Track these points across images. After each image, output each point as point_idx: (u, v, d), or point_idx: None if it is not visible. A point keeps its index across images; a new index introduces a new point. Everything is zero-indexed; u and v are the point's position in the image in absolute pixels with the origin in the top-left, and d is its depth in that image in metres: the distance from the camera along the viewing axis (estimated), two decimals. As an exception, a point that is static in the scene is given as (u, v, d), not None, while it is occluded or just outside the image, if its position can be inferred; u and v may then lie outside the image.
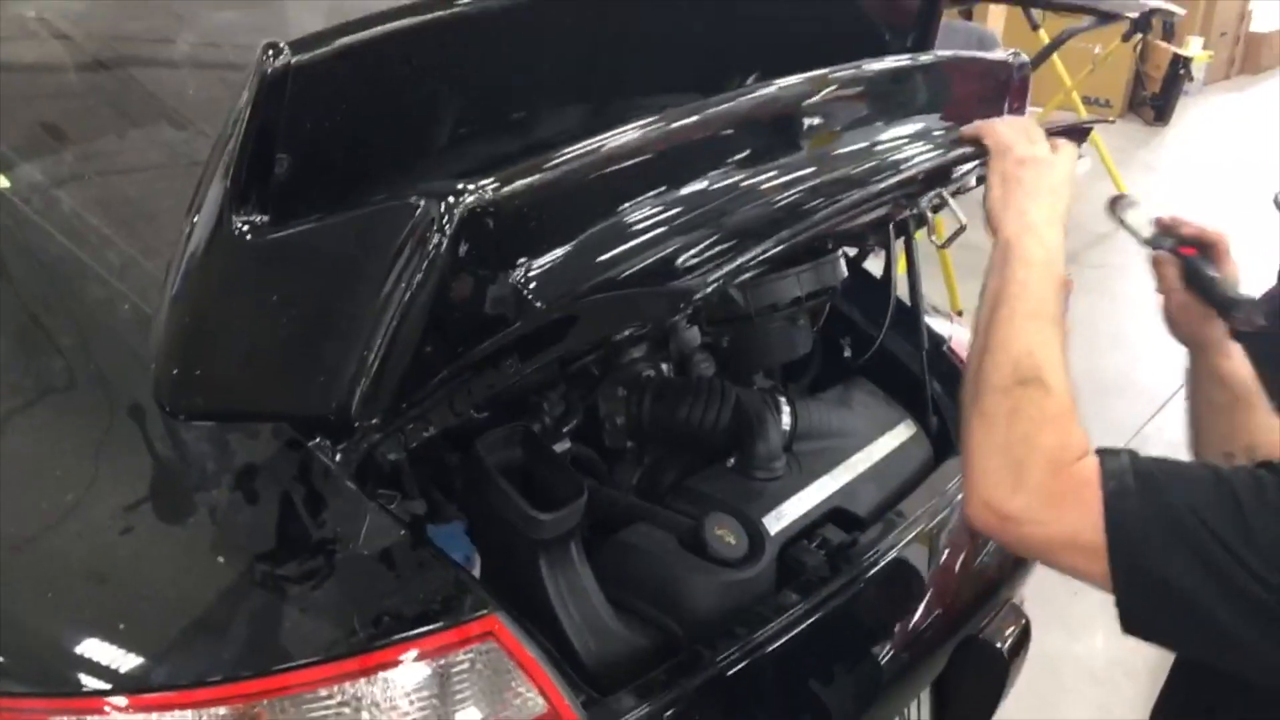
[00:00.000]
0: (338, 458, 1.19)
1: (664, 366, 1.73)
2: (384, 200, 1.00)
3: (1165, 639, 1.04)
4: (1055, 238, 1.15)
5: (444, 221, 0.94)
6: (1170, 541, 0.98)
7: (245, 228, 0.98)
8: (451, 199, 0.95)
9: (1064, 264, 1.15)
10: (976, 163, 1.28)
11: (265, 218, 0.99)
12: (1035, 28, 5.25)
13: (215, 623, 1.12)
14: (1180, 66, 7.08)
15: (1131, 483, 1.00)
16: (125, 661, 1.09)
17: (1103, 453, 1.04)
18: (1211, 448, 1.35)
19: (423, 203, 0.95)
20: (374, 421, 1.02)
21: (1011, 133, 1.23)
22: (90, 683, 1.08)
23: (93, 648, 1.10)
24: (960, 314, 4.44)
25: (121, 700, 1.07)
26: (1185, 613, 0.98)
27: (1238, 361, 1.34)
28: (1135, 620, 1.02)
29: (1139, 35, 5.48)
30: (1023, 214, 1.16)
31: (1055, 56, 5.09)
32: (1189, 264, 1.31)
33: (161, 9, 1.90)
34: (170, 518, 1.19)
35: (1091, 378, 3.47)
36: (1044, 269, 1.13)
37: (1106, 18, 4.56)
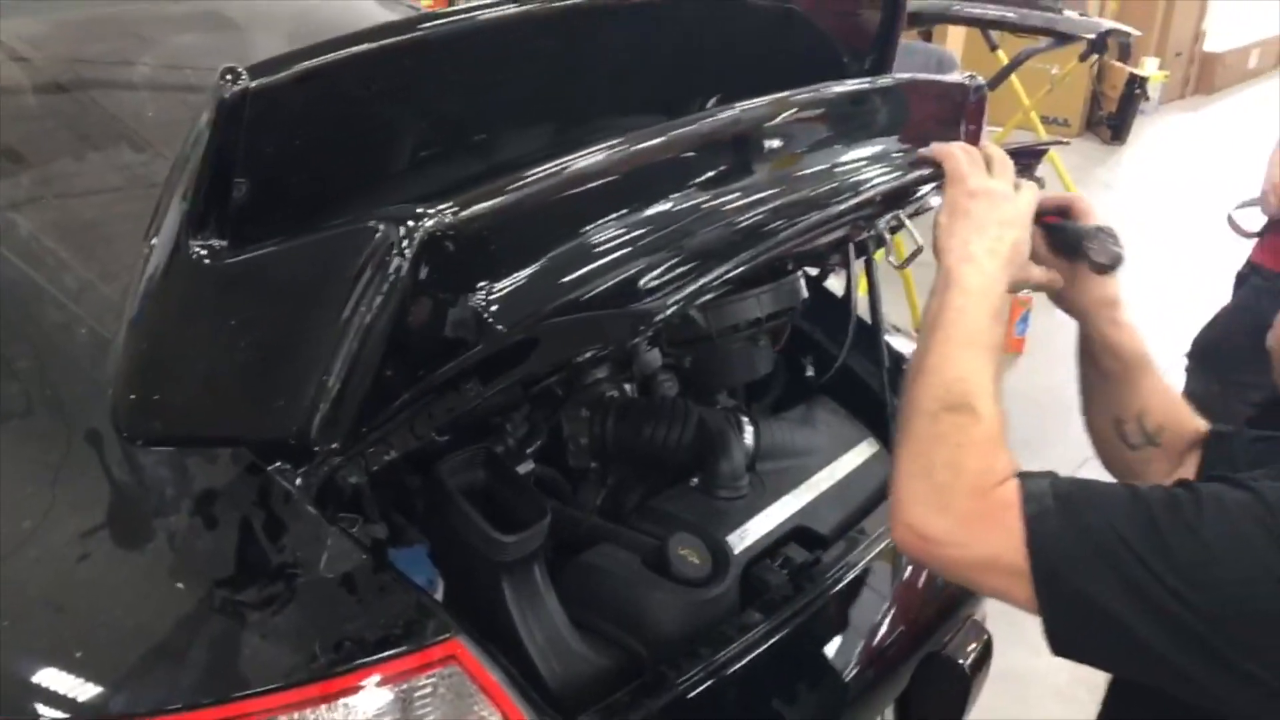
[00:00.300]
0: (298, 482, 1.18)
1: (627, 387, 1.74)
2: (343, 224, 1.00)
3: (1094, 659, 1.05)
4: (995, 269, 1.17)
5: (404, 245, 0.94)
6: (1091, 561, 0.99)
7: (204, 252, 0.98)
8: (411, 223, 0.95)
9: (1004, 295, 1.17)
10: (933, 185, 1.30)
11: (224, 242, 0.99)
12: (994, 48, 5.33)
13: (174, 650, 1.10)
14: (1136, 86, 7.20)
15: (1051, 504, 1.02)
16: (83, 690, 1.08)
17: (1024, 476, 1.06)
18: (1104, 415, 1.38)
19: (382, 226, 0.95)
20: (334, 446, 1.02)
21: (968, 162, 1.24)
22: (47, 712, 1.07)
23: (50, 676, 1.08)
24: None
25: (79, 729, 1.06)
26: (1109, 632, 1.00)
27: (1126, 331, 1.37)
28: (1063, 641, 1.03)
29: (1095, 56, 5.57)
30: (965, 244, 1.18)
31: (1013, 77, 5.18)
32: (1046, 226, 1.34)
33: (122, 31, 1.89)
34: (128, 544, 1.18)
35: (1052, 395, 3.51)
36: (981, 297, 1.15)
37: (1064, 39, 4.65)
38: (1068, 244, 1.33)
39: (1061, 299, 1.39)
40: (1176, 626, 0.97)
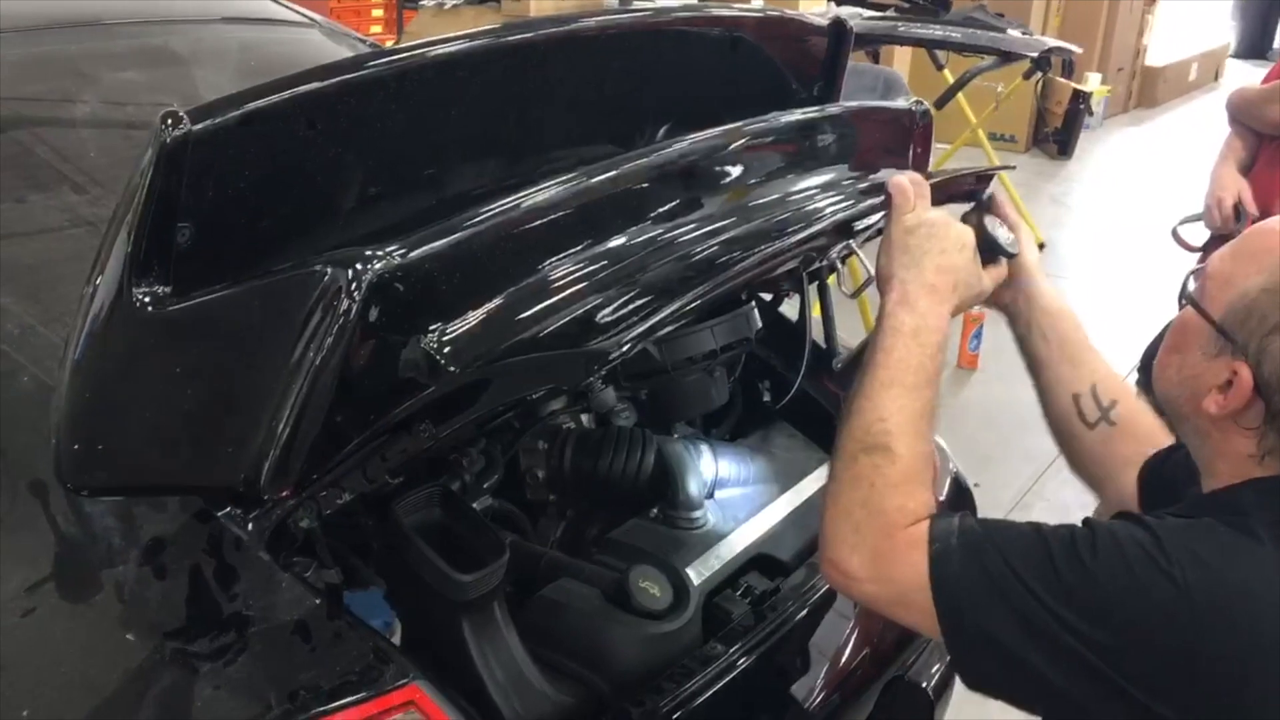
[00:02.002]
0: (249, 528, 1.16)
1: (584, 418, 1.73)
2: (290, 268, 0.99)
3: (1001, 693, 1.08)
4: (932, 305, 1.19)
5: (352, 288, 0.93)
6: (990, 599, 1.03)
7: (146, 299, 0.97)
8: (359, 265, 0.94)
9: (944, 328, 1.19)
10: (882, 214, 1.30)
11: (167, 288, 0.97)
12: (940, 68, 5.40)
13: (124, 704, 1.08)
14: (1080, 102, 7.31)
15: (955, 543, 1.06)
16: (30, 751, 1.05)
17: (935, 518, 1.10)
18: (1061, 397, 1.41)
19: (330, 270, 0.94)
20: (284, 493, 1.00)
21: (912, 194, 1.25)
22: (-8, 775, 1.04)
23: (-5, 737, 1.06)
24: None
25: (26, 792, 1.03)
26: (1012, 668, 1.03)
27: (1054, 313, 1.40)
28: (971, 676, 1.08)
29: (1039, 73, 5.65)
30: (902, 283, 1.20)
31: (960, 95, 5.23)
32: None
33: (63, 68, 1.86)
34: (75, 596, 1.16)
35: (1008, 409, 3.55)
36: (910, 338, 1.17)
37: (1008, 57, 4.69)
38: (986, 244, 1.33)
39: (994, 299, 1.40)
40: (1073, 661, 0.99)
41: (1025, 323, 1.41)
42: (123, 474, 1.05)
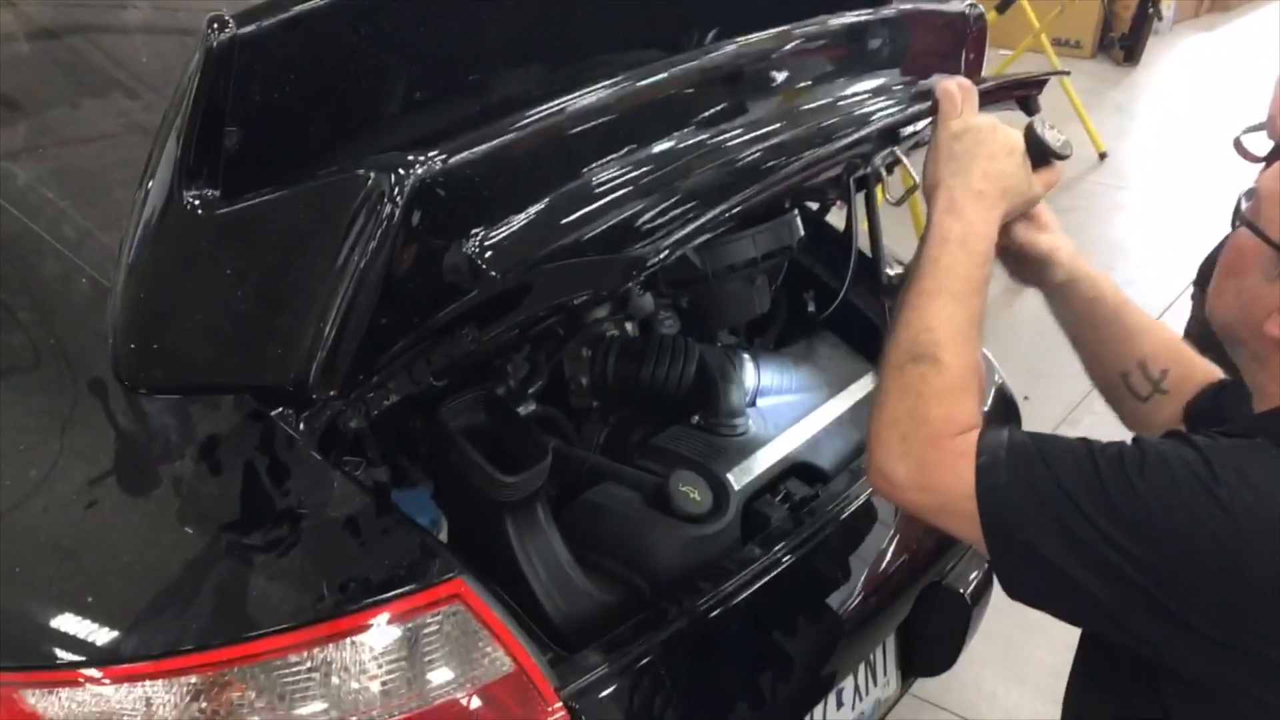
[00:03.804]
0: (301, 427, 1.20)
1: (628, 326, 1.74)
2: (335, 173, 1.00)
3: (1041, 604, 1.09)
4: (979, 212, 1.17)
5: (395, 193, 0.94)
6: (1035, 513, 1.03)
7: (197, 202, 0.99)
8: (402, 170, 0.95)
9: (991, 235, 1.18)
10: (929, 120, 1.29)
11: (216, 192, 0.99)
12: (1004, -30, 5.23)
13: (184, 593, 1.13)
14: (1149, 6, 7.05)
15: (1003, 456, 1.06)
16: (96, 634, 1.11)
17: (984, 430, 1.09)
18: (1108, 373, 1.39)
19: (374, 175, 0.95)
20: (332, 393, 1.03)
21: (959, 100, 1.23)
22: (63, 655, 1.10)
23: (63, 621, 1.11)
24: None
25: (95, 672, 1.09)
26: (1054, 581, 1.03)
27: (1088, 287, 1.37)
28: (1011, 585, 1.08)
29: (1107, -24, 5.46)
30: (950, 191, 1.19)
31: (1023, -1, 5.07)
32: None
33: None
34: (135, 490, 1.20)
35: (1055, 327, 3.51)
36: (958, 246, 1.16)
37: (1073, -41, 4.54)
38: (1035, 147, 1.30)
39: (1025, 274, 1.40)
40: (1117, 578, 1.00)
41: (1063, 307, 1.39)
42: (177, 373, 1.08)
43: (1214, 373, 1.35)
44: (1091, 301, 1.37)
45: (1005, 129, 1.22)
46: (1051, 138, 1.26)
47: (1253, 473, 0.99)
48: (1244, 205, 1.11)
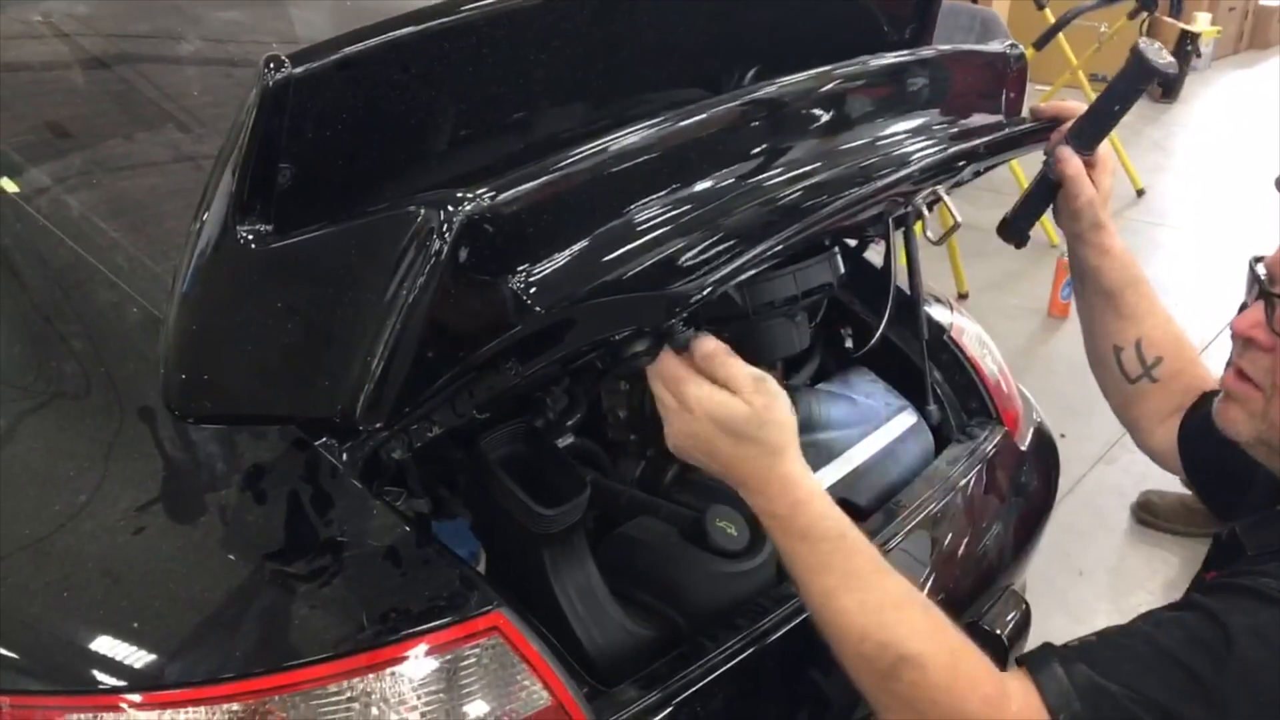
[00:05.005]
0: (344, 457, 1.21)
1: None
2: (385, 209, 1.02)
3: None
4: (787, 502, 1.04)
5: (444, 229, 0.96)
6: None
7: (250, 237, 1.01)
8: (451, 207, 0.96)
9: (805, 506, 1.05)
10: (973, 160, 1.29)
11: (269, 227, 1.01)
12: (1041, 6, 5.25)
13: (226, 620, 1.14)
14: (1188, 43, 7.02)
15: (1078, 707, 0.94)
16: (139, 659, 1.12)
17: (1035, 678, 0.96)
18: (1104, 343, 1.39)
19: (423, 211, 0.97)
20: (377, 425, 1.04)
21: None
22: (105, 680, 1.11)
23: (107, 646, 1.13)
24: (965, 296, 4.46)
25: (136, 697, 1.10)
26: None
27: (1113, 256, 1.36)
28: None
29: (1145, 13, 5.46)
30: (781, 493, 1.05)
31: (1061, 35, 5.08)
32: (1079, 129, 1.36)
33: (167, 8, 1.91)
34: (181, 518, 1.22)
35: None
36: (817, 542, 1.02)
37: (1112, -4, 4.55)
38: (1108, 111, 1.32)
39: (1062, 215, 1.39)
40: None
41: (1080, 257, 1.38)
42: (226, 403, 1.10)
43: (1205, 379, 1.34)
44: (1110, 257, 1.36)
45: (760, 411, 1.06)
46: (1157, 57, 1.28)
47: None
48: (1261, 273, 1.09)
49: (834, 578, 1.01)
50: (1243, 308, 1.16)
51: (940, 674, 0.96)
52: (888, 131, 1.42)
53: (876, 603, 1.00)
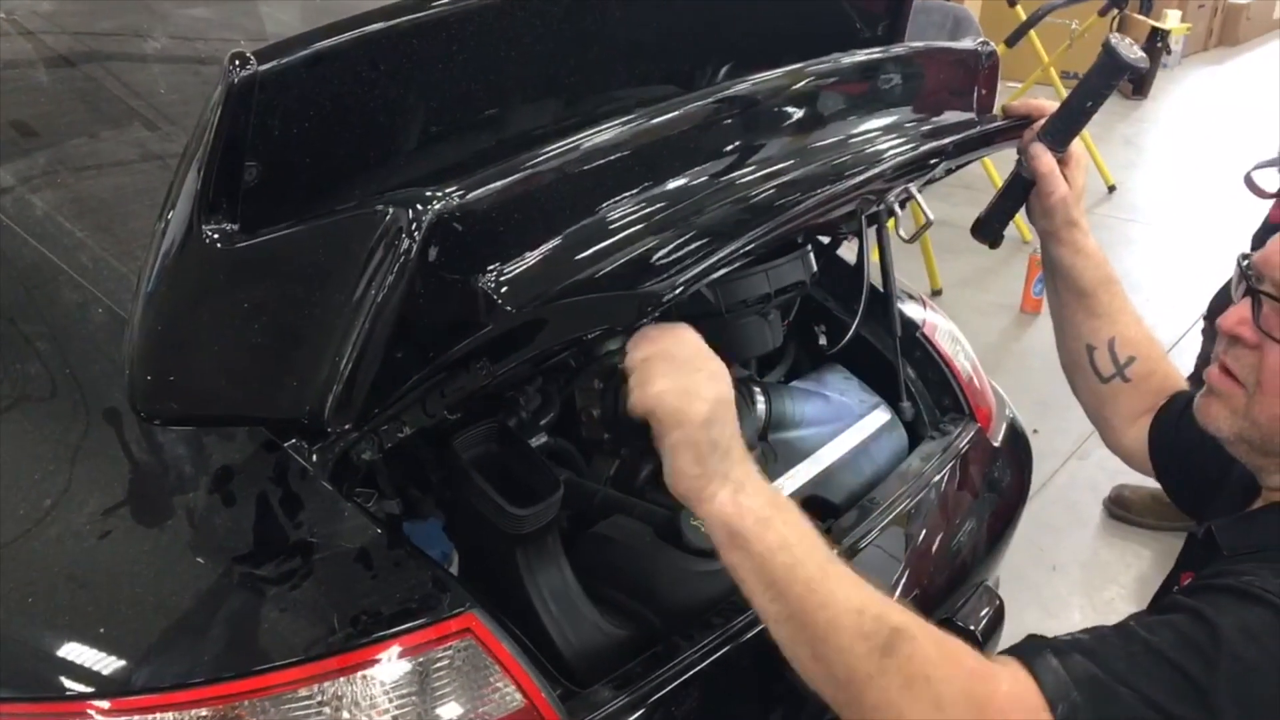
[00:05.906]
0: (314, 459, 1.20)
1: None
2: (353, 208, 1.01)
3: None
4: (758, 485, 1.03)
5: (413, 228, 0.95)
6: None
7: (215, 236, 0.99)
8: (420, 205, 0.95)
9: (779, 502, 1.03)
10: (945, 158, 1.29)
11: (235, 226, 1.00)
12: (1013, 4, 5.27)
13: (195, 624, 1.13)
14: (1158, 40, 7.09)
15: (1078, 699, 0.93)
16: (107, 664, 1.10)
17: (1029, 666, 0.95)
18: (1076, 342, 1.39)
19: (391, 210, 0.96)
20: (347, 426, 1.03)
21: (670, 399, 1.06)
22: (73, 686, 1.10)
23: (74, 651, 1.11)
24: (938, 293, 4.47)
25: (104, 703, 1.08)
26: None
27: (1087, 255, 1.37)
28: None
29: (1115, 10, 5.50)
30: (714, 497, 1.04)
31: (1033, 32, 5.11)
32: (1051, 128, 1.35)
33: (134, 6, 1.89)
34: (148, 521, 1.20)
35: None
36: (777, 551, 1.01)
37: (1083, -7, 4.57)
38: (1078, 109, 1.32)
39: (1032, 215, 1.39)
40: None
41: (1054, 255, 1.38)
42: (193, 404, 1.08)
43: (1176, 380, 1.35)
44: (1087, 259, 1.36)
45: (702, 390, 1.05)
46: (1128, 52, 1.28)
47: None
48: (1248, 271, 1.09)
49: (813, 567, 1.00)
50: (1218, 302, 1.17)
51: (929, 645, 0.95)
52: (860, 129, 1.42)
53: (855, 578, 0.99)
